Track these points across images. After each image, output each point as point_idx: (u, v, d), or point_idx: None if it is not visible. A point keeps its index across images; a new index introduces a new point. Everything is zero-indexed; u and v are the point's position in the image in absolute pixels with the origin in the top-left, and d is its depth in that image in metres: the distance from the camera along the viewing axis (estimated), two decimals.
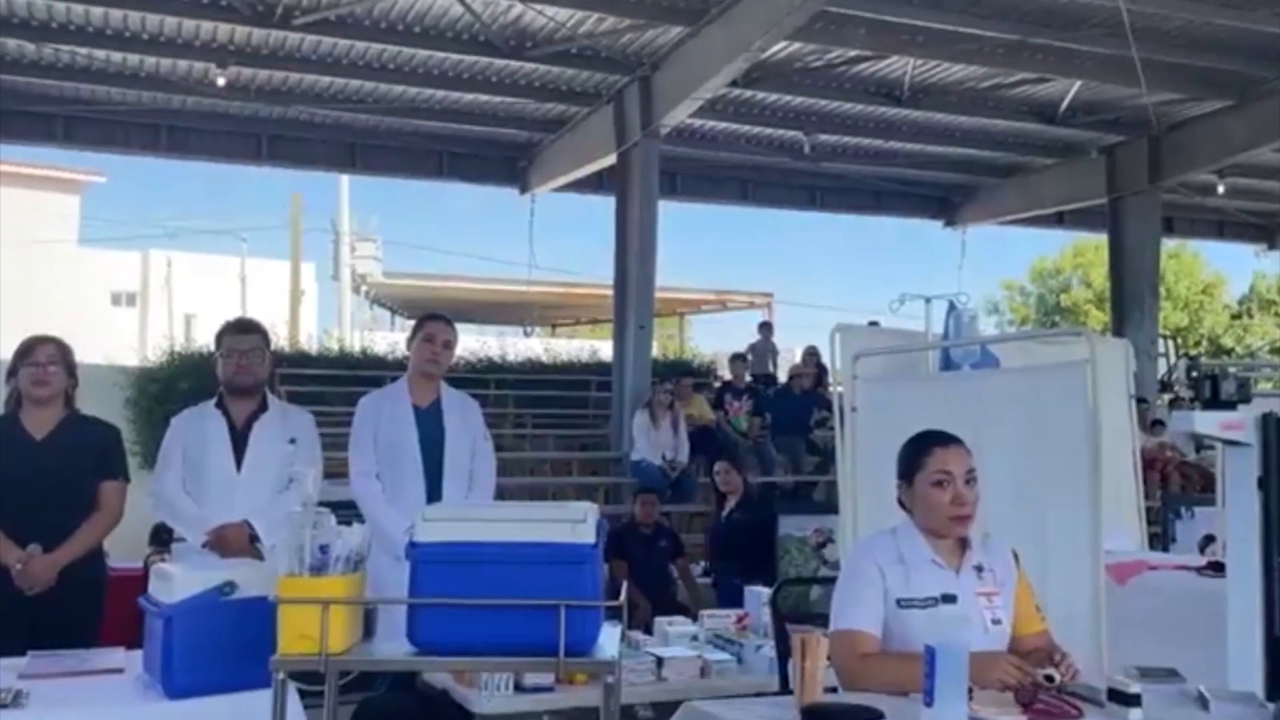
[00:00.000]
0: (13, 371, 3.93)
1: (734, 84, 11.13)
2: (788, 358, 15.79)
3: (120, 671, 2.95)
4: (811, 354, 12.78)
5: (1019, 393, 4.30)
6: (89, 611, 3.84)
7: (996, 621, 2.80)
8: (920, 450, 2.87)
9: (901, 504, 2.92)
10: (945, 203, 16.81)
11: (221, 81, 11.00)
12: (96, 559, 4.02)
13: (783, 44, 10.53)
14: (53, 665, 2.96)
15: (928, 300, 5.11)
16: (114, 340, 19.80)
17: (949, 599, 2.78)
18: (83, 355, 4.27)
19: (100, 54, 10.81)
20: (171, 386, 11.13)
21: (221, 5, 9.79)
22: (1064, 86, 12.21)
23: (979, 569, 2.85)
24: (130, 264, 28.62)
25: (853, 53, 11.14)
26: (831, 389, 5.84)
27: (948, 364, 4.88)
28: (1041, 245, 31.19)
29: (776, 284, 42.76)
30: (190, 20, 10.07)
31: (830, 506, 6.74)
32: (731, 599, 5.76)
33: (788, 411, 12.11)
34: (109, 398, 10.13)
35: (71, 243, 25.92)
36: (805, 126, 13.10)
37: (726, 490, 7.06)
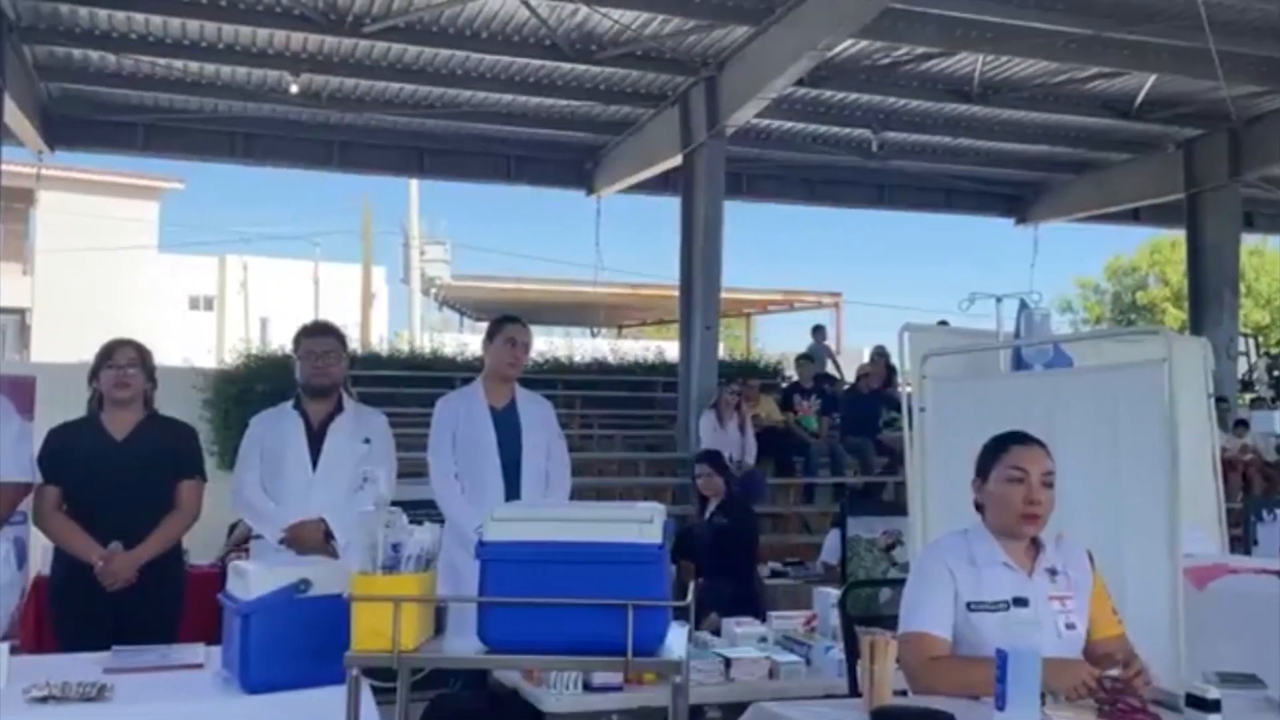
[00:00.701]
0: (94, 374, 4.05)
1: (800, 83, 11.06)
2: (855, 357, 15.66)
3: (200, 667, 3.02)
4: (880, 354, 12.66)
5: (1093, 392, 4.22)
6: (169, 608, 3.94)
7: (1070, 626, 2.76)
8: (998, 448, 2.85)
9: (977, 505, 2.89)
10: (1017, 200, 16.54)
11: (294, 89, 11.21)
12: (176, 557, 4.11)
13: (849, 42, 10.44)
14: (135, 660, 3.04)
15: (998, 299, 5.02)
16: (192, 343, 20.28)
17: (1021, 602, 2.74)
18: (162, 358, 4.39)
19: (178, 64, 11.07)
20: (248, 388, 11.32)
21: (295, 14, 9.97)
22: (1139, 80, 11.95)
23: (1052, 572, 2.81)
24: (207, 269, 29.31)
25: (921, 49, 11.01)
26: (900, 389, 5.77)
27: (1019, 364, 4.81)
28: (1117, 242, 30.68)
29: (845, 283, 42.47)
30: (264, 30, 10.27)
31: (899, 507, 6.65)
32: (711, 601, 5.66)
33: (856, 411, 12.02)
34: (187, 399, 10.35)
35: (152, 248, 26.58)
36: (873, 124, 12.96)
37: (708, 493, 6.89)
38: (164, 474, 4.00)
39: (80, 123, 12.44)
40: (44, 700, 2.65)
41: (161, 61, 10.95)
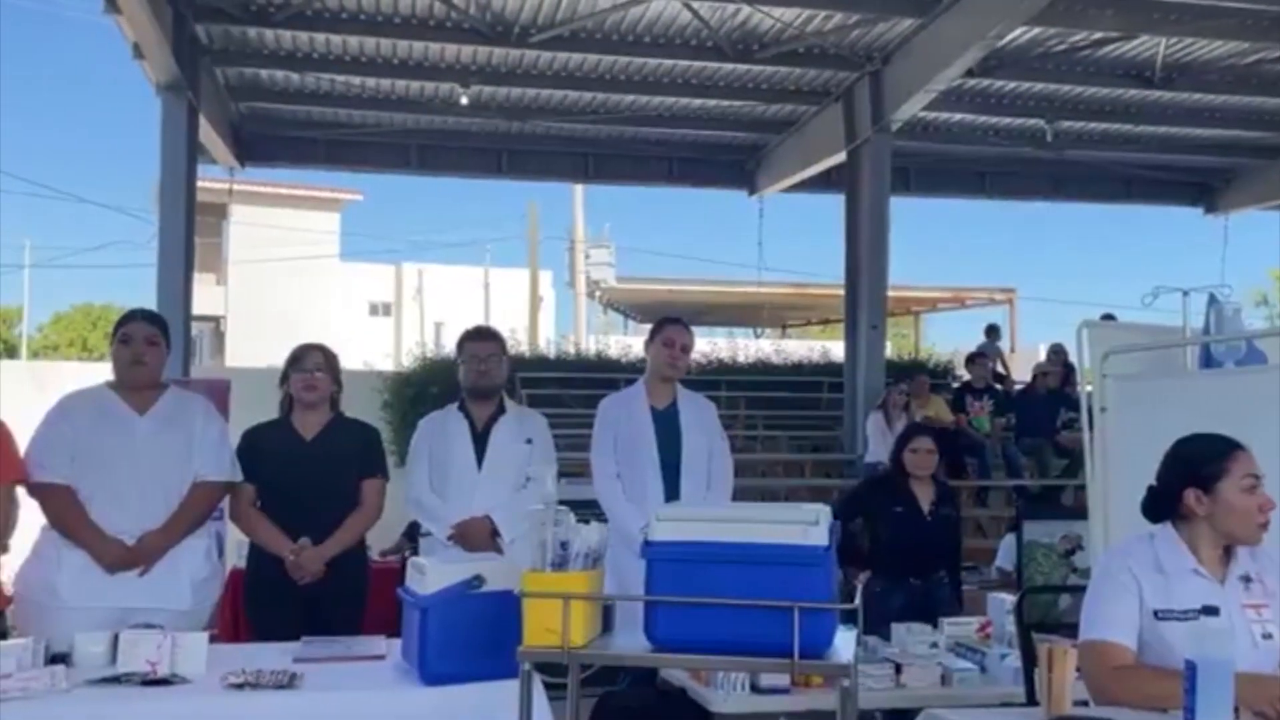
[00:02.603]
0: (285, 377, 4.25)
1: (969, 73, 10.75)
2: (1031, 356, 15.16)
3: (382, 658, 3.15)
4: (1058, 352, 12.19)
5: None
6: (353, 601, 4.09)
7: (1267, 636, 2.60)
8: (1223, 455, 2.69)
9: (1156, 510, 2.75)
10: (1204, 188, 15.70)
11: (464, 101, 11.56)
12: (360, 552, 4.29)
13: (1021, 29, 10.09)
14: (323, 651, 3.20)
15: (1185, 293, 4.77)
16: (372, 347, 21.12)
17: (1211, 611, 2.60)
18: (345, 362, 4.57)
19: (356, 80, 11.57)
20: (424, 390, 11.70)
21: (464, 29, 10.28)
22: None
23: (1246, 579, 2.66)
24: (385, 276, 30.51)
25: (1099, 34, 10.55)
26: (1080, 388, 5.53)
27: (1208, 361, 4.57)
28: None
29: (1019, 279, 41.07)
30: (435, 44, 10.63)
31: (1079, 512, 6.37)
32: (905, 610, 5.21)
33: (1032, 412, 11.62)
34: (368, 401, 10.77)
35: (334, 257, 27.83)
36: (1047, 114, 12.52)
37: (924, 472, 5.76)
38: (349, 472, 4.16)
39: (267, 139, 13.16)
40: (240, 687, 2.82)
41: (340, 78, 11.47)
